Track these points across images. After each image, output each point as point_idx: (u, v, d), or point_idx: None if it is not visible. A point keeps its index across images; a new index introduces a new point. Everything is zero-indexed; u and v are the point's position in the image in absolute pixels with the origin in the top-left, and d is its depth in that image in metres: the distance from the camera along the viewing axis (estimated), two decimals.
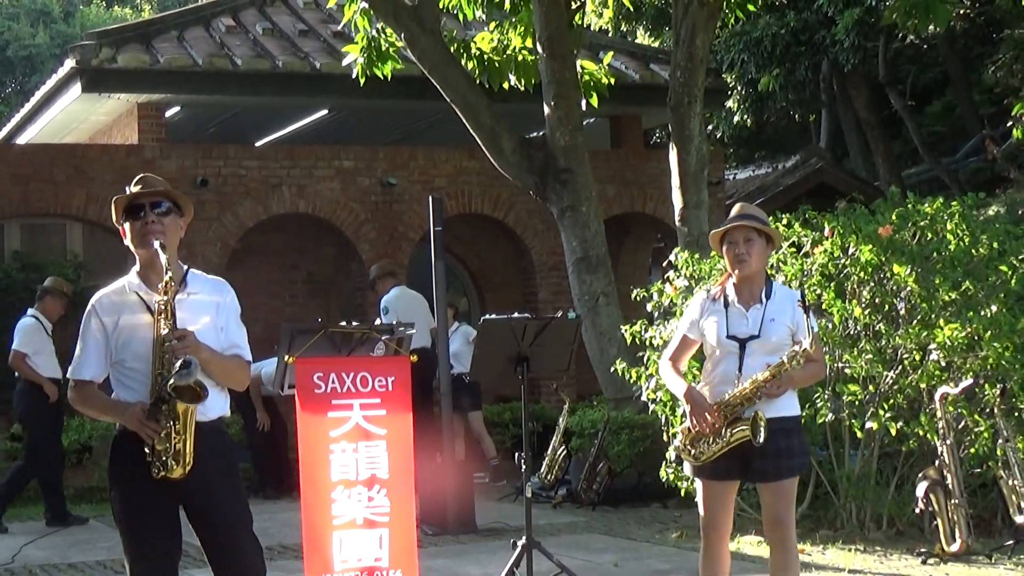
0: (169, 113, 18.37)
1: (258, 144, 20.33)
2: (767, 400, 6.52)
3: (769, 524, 6.82)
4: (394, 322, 9.73)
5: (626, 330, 11.73)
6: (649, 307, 11.62)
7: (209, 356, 5.52)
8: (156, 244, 5.47)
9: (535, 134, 16.70)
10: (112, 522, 12.79)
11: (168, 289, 5.44)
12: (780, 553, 6.78)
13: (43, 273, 17.48)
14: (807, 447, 7.08)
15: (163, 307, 5.45)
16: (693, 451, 6.68)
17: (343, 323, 8.75)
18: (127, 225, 5.63)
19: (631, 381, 11.60)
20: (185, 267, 5.72)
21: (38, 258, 17.81)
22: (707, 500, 6.83)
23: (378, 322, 14.57)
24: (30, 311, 13.19)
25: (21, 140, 20.35)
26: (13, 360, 12.89)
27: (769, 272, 10.61)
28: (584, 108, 14.93)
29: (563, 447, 14.13)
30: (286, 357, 8.03)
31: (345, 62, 14.78)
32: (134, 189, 5.64)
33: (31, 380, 12.81)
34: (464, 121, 14.35)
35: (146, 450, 5.42)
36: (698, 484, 6.89)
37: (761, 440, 6.40)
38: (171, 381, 5.30)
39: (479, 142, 14.45)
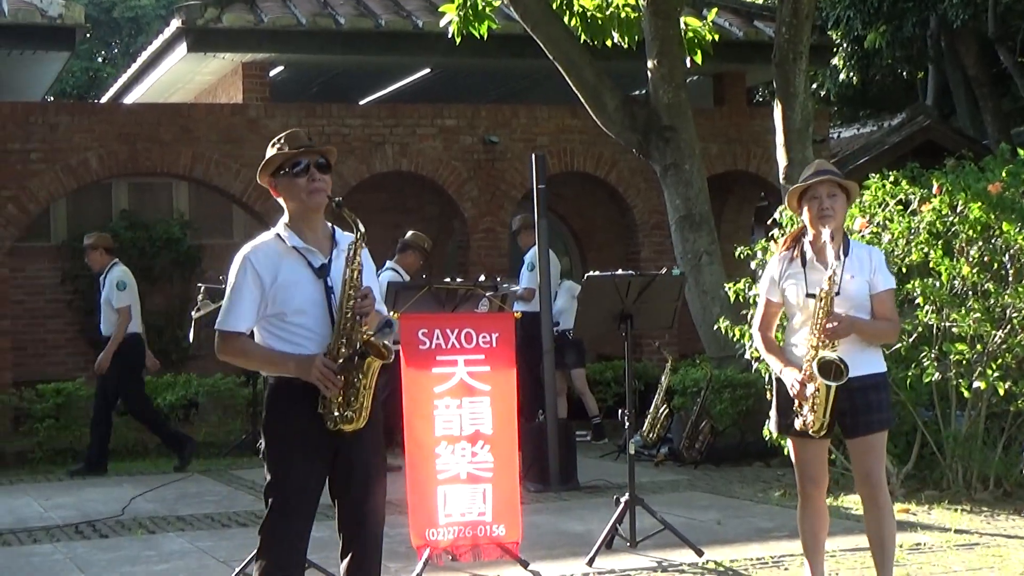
0: (273, 72, 18.51)
1: (361, 103, 20.42)
2: (852, 356, 6.36)
3: (859, 480, 6.76)
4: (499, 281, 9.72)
5: (729, 288, 11.67)
6: (752, 265, 11.53)
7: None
8: (335, 203, 5.75)
9: (638, 92, 16.64)
10: (220, 477, 13.03)
11: (357, 247, 5.59)
12: (872, 508, 6.70)
13: (150, 232, 17.76)
14: (890, 404, 6.92)
15: (355, 265, 5.55)
16: (811, 428, 6.47)
17: (447, 280, 8.79)
18: (282, 180, 5.70)
19: (734, 339, 11.54)
20: None
21: (145, 217, 18.06)
22: (799, 457, 6.79)
23: (523, 275, 14.61)
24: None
25: (128, 100, 20.59)
26: None
27: (876, 230, 10.57)
28: (688, 65, 14.81)
29: (665, 405, 14.09)
30: (391, 313, 8.10)
31: (443, 22, 14.76)
32: (290, 146, 5.68)
33: None
34: (567, 79, 14.29)
35: (321, 402, 5.44)
36: (789, 442, 6.86)
37: (833, 381, 6.27)
38: (371, 337, 5.46)
39: (582, 100, 14.38)
